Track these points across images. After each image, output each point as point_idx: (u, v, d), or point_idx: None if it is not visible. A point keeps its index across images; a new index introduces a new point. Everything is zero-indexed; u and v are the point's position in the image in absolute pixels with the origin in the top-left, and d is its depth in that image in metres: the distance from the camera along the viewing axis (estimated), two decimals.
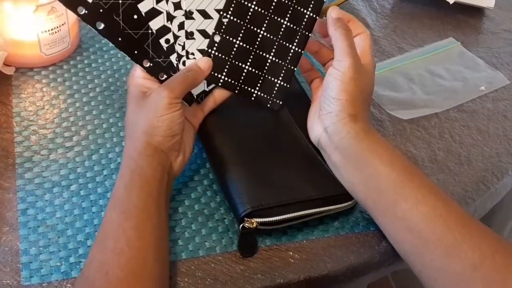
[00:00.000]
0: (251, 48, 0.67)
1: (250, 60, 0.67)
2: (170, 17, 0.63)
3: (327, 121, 0.63)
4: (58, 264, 0.59)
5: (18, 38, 0.76)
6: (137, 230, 0.55)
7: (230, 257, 0.62)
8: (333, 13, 0.67)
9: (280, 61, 0.68)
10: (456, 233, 0.55)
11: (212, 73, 0.66)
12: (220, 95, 0.68)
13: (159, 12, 0.63)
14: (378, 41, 0.92)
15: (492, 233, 0.56)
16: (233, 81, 0.67)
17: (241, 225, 0.61)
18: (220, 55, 0.66)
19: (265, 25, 0.67)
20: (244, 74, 0.67)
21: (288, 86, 0.69)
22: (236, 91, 0.68)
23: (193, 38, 0.65)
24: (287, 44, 0.68)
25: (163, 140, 0.60)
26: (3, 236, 0.61)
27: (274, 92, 0.69)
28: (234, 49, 0.66)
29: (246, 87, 0.68)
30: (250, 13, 0.66)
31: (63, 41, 0.79)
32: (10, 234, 0.61)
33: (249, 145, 0.68)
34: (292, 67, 0.69)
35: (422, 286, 0.58)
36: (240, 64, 0.67)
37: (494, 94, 0.86)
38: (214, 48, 0.66)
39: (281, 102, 0.70)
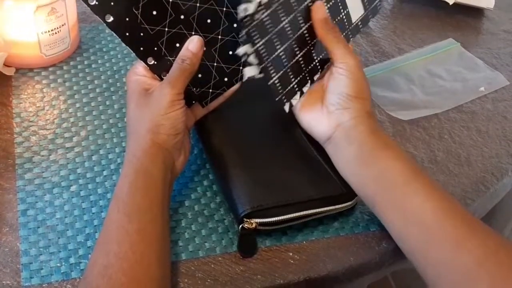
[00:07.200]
0: (290, 35, 0.64)
1: (285, 45, 0.64)
2: None
3: (346, 116, 0.62)
4: (58, 265, 0.59)
5: (18, 39, 0.76)
6: (141, 232, 0.55)
7: (230, 257, 0.62)
8: (319, 13, 0.65)
9: (303, 65, 0.66)
10: (462, 229, 0.55)
11: (255, 33, 0.61)
12: (212, 103, 0.67)
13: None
14: (378, 42, 0.92)
15: (494, 231, 0.56)
16: (264, 55, 0.62)
17: (240, 226, 0.61)
18: (267, 22, 0.61)
19: (309, 23, 0.65)
20: (275, 54, 0.63)
21: (299, 94, 0.66)
22: (261, 66, 0.63)
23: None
24: (313, 55, 0.66)
25: (167, 138, 0.60)
26: (3, 237, 0.61)
27: (286, 90, 0.65)
28: (279, 26, 0.62)
29: (270, 69, 0.64)
30: (306, 2, 0.64)
31: (63, 42, 0.79)
32: (10, 235, 0.61)
33: (249, 145, 0.68)
34: (308, 78, 0.67)
35: (423, 286, 0.58)
36: (276, 42, 0.63)
37: (494, 95, 0.86)
38: (267, 12, 0.61)
39: (286, 107, 0.65)
